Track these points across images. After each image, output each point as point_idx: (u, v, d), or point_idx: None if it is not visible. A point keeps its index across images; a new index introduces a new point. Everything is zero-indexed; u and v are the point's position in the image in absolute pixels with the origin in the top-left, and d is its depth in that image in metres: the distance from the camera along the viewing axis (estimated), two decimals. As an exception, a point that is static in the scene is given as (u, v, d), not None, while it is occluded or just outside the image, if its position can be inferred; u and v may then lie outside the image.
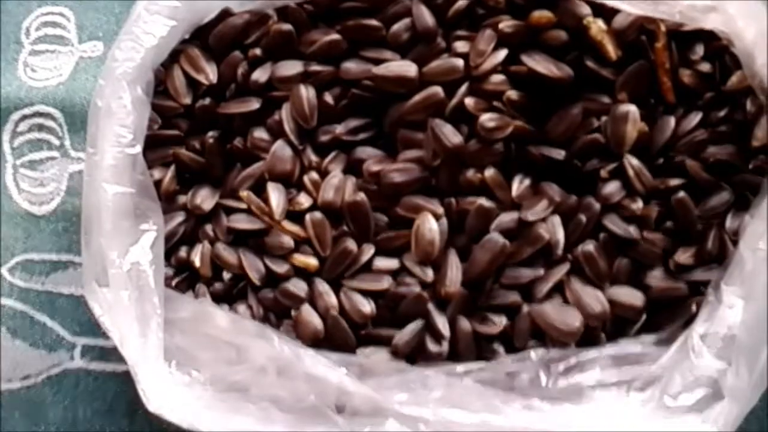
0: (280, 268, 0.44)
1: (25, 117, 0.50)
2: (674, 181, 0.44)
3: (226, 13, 0.44)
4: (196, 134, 0.45)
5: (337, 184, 0.44)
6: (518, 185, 0.44)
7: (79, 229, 0.41)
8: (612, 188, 0.44)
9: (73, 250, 0.49)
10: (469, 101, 0.44)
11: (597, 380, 0.42)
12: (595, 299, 0.43)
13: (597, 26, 0.43)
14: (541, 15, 0.43)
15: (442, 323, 0.43)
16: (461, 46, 0.44)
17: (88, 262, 0.40)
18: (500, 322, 0.43)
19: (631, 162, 0.44)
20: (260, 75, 0.44)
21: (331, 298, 0.43)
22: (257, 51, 0.44)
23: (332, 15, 0.45)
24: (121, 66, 0.39)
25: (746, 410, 0.39)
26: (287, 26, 0.44)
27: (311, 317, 0.43)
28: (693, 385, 0.40)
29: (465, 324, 0.43)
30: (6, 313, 0.48)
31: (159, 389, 0.38)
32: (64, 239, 0.49)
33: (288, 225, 0.43)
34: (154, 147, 0.43)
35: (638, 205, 0.44)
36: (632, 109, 0.44)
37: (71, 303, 0.48)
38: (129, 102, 0.39)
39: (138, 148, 0.39)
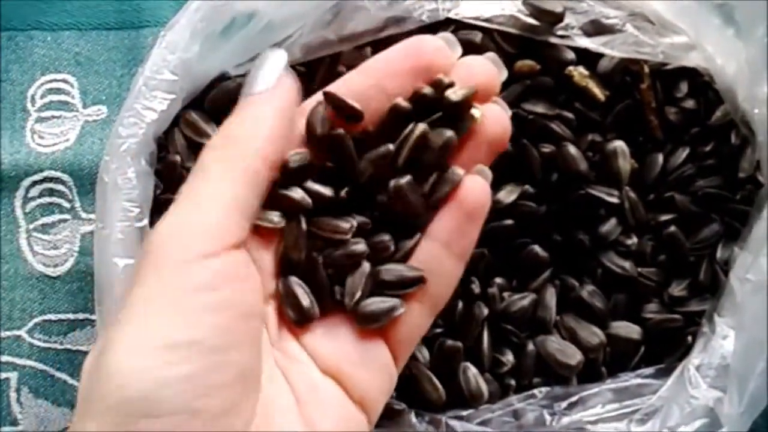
0: None
1: (35, 183, 0.51)
2: (665, 216, 0.46)
3: (222, 77, 0.45)
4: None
5: None
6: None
7: (94, 287, 0.43)
8: (609, 226, 0.46)
9: (89, 309, 0.50)
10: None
11: (599, 415, 0.43)
12: (590, 333, 0.45)
13: (579, 73, 0.44)
14: (523, 64, 0.45)
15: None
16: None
17: (102, 329, 0.41)
18: (508, 360, 0.45)
19: (629, 195, 0.45)
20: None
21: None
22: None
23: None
24: (125, 142, 0.41)
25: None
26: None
27: None
28: (691, 416, 0.41)
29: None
30: (27, 374, 0.50)
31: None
32: (80, 299, 0.51)
33: None
34: (159, 212, 0.45)
35: (633, 240, 0.46)
36: (620, 144, 0.45)
37: (90, 360, 0.50)
38: (134, 176, 0.40)
39: (145, 221, 0.40)
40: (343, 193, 0.37)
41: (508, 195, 0.45)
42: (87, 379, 0.32)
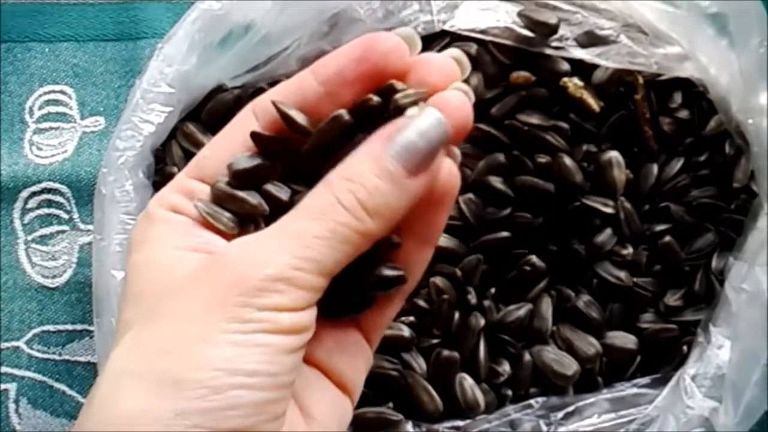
0: None
1: (33, 194, 0.51)
2: (660, 227, 0.46)
3: (218, 89, 0.46)
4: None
5: None
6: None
7: (92, 299, 0.43)
8: (604, 237, 0.46)
9: (87, 320, 0.50)
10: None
11: (595, 425, 0.43)
12: (586, 343, 0.45)
13: (573, 84, 0.44)
14: (519, 75, 0.45)
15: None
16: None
17: (101, 341, 0.42)
18: (504, 370, 0.45)
19: (624, 206, 0.46)
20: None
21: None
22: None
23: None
24: (122, 155, 0.41)
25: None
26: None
27: None
28: (686, 425, 0.41)
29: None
30: (26, 385, 0.50)
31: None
32: (78, 309, 0.51)
33: None
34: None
35: (629, 251, 0.46)
36: (615, 154, 0.45)
37: (89, 371, 0.50)
38: (131, 189, 0.41)
39: (142, 233, 0.41)
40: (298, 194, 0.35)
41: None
42: None
